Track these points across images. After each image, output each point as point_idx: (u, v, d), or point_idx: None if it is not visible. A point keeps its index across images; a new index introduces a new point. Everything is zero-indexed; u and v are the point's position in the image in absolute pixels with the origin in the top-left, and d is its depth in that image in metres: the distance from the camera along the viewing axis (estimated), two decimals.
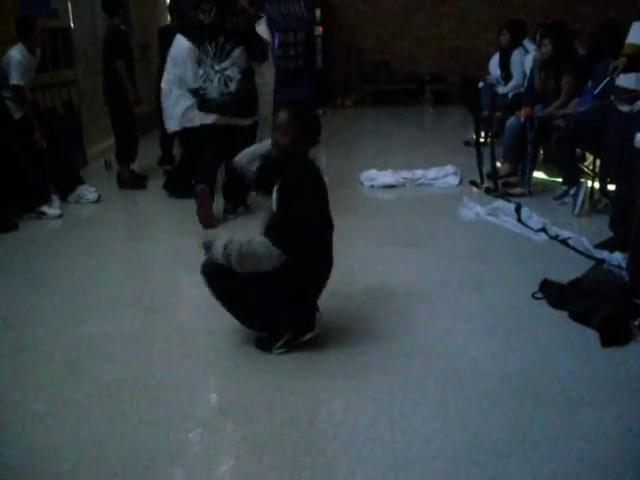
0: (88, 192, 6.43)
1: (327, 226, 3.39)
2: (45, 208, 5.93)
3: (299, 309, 3.36)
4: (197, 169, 5.75)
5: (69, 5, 7.77)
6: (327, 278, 3.43)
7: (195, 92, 5.73)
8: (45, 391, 3.13)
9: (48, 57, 7.13)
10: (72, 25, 7.84)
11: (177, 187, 6.42)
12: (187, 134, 6.10)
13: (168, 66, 6.02)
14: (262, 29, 5.84)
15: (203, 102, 5.55)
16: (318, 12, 12.08)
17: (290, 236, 3.14)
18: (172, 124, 6.11)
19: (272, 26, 8.90)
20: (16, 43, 5.99)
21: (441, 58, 12.86)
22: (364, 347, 3.42)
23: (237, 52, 5.44)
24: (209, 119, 5.55)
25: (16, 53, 5.95)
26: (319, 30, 12.14)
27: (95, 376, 3.26)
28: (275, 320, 3.35)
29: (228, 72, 5.44)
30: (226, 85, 5.44)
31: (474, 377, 3.10)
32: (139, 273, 4.70)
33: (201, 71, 5.55)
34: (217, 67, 5.44)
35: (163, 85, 6.07)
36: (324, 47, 12.27)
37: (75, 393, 3.10)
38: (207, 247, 3.30)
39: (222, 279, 3.29)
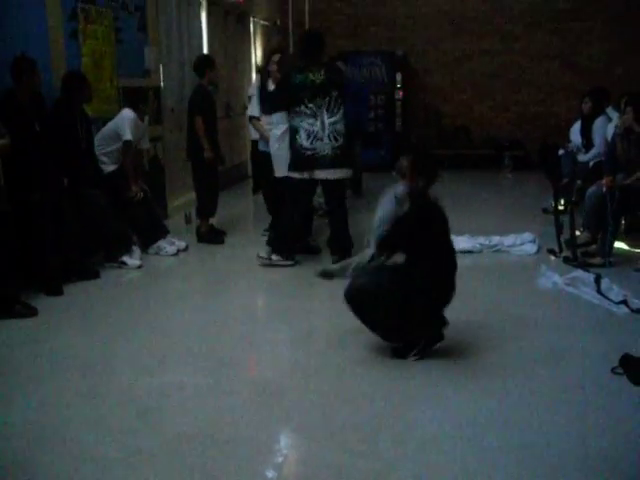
0: (168, 245, 6.61)
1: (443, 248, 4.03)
2: (126, 258, 6.13)
3: (430, 320, 3.94)
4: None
5: (160, 66, 8.13)
6: (450, 289, 3.96)
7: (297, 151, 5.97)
8: (117, 438, 3.19)
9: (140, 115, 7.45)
10: (162, 84, 8.18)
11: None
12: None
13: (280, 118, 6.28)
14: None
15: (314, 160, 5.86)
16: (399, 76, 12.26)
17: (385, 237, 3.92)
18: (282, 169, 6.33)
19: (365, 89, 9.26)
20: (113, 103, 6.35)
21: (521, 124, 12.82)
22: (436, 412, 3.37)
23: (344, 107, 5.92)
24: (322, 174, 5.93)
25: (128, 112, 6.41)
26: (399, 94, 12.30)
27: (167, 427, 3.30)
28: (411, 331, 3.94)
29: (338, 126, 5.83)
30: (336, 139, 5.83)
31: (548, 452, 3.00)
32: (215, 327, 4.76)
33: (306, 130, 5.84)
34: (328, 120, 5.82)
35: (277, 133, 6.32)
36: (404, 110, 12.41)
37: (147, 442, 3.15)
38: (326, 275, 4.43)
39: (364, 303, 3.88)
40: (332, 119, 5.82)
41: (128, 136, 6.29)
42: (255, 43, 11.94)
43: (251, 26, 11.70)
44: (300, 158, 5.89)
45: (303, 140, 5.83)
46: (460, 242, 6.56)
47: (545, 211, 8.11)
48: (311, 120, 5.82)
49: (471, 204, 9.28)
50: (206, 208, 7.15)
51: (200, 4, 9.45)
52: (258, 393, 3.67)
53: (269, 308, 5.24)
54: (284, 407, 3.49)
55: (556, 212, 6.69)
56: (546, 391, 3.61)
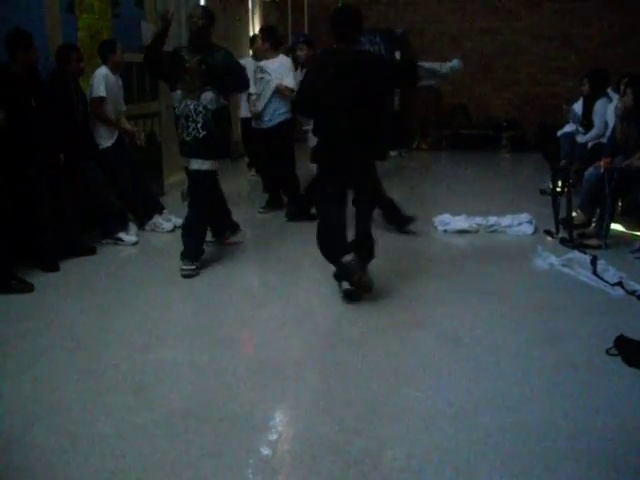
0: (164, 221, 6.60)
1: None
2: (122, 234, 6.12)
3: None
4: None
5: None
6: None
7: None
8: (113, 415, 3.19)
9: (136, 90, 7.40)
10: None
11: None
12: None
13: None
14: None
15: None
16: (398, 54, 12.17)
17: None
18: None
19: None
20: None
21: (519, 104, 12.77)
22: (431, 392, 3.38)
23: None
24: None
25: (101, 69, 6.24)
26: None
27: (162, 403, 3.30)
28: None
29: None
30: None
31: (544, 432, 3.01)
32: (210, 305, 4.76)
33: None
34: None
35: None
36: (402, 90, 12.33)
37: (142, 418, 3.15)
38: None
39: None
40: None
41: (99, 92, 6.16)
42: (253, 20, 11.84)
43: (249, 3, 11.60)
44: None
45: None
46: (457, 222, 6.59)
47: (543, 192, 8.10)
48: None
49: (468, 184, 9.28)
50: None
51: None
52: (254, 371, 3.67)
53: (267, 286, 5.23)
54: (280, 385, 3.50)
55: (554, 193, 6.69)
56: (540, 371, 3.63)
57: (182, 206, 7.46)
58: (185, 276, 5.19)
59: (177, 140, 5.37)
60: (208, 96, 5.11)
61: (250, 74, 7.07)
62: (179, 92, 5.20)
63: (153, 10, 7.97)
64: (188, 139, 5.19)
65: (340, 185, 4.65)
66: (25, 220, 5.16)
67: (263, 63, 7.00)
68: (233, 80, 5.34)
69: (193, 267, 5.25)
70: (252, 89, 6.97)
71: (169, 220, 6.65)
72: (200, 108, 5.11)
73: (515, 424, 3.09)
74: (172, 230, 6.54)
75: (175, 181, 8.45)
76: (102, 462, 2.80)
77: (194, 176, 5.32)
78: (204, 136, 5.14)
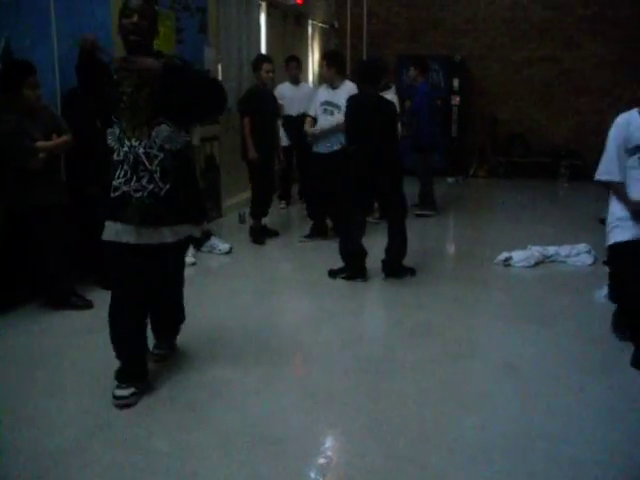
0: (220, 243, 6.69)
1: None
2: None
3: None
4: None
5: (219, 66, 8.22)
6: None
7: None
8: (167, 431, 3.24)
9: None
10: None
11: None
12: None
13: None
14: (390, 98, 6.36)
15: None
16: (456, 82, 12.16)
17: None
18: None
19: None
20: None
21: (580, 133, 12.58)
22: (486, 422, 3.33)
23: None
24: None
25: None
26: (457, 99, 12.20)
27: (216, 423, 3.34)
28: None
29: None
30: None
31: (600, 469, 2.94)
32: (265, 327, 4.78)
33: None
34: None
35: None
36: (460, 116, 12.30)
37: (196, 437, 3.19)
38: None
39: None
40: None
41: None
42: (313, 45, 11.99)
43: (309, 28, 11.76)
44: None
45: None
46: (517, 253, 6.47)
47: (602, 222, 7.92)
48: None
49: (526, 212, 9.16)
50: (259, 208, 7.19)
51: (259, 6, 9.53)
52: (307, 394, 3.68)
53: (322, 310, 5.23)
54: (332, 409, 3.49)
55: None
56: (597, 405, 3.55)
57: (240, 228, 7.61)
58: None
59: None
60: (163, 132, 3.47)
61: (308, 98, 7.17)
62: (116, 128, 3.50)
63: (216, 36, 8.14)
64: (138, 197, 3.44)
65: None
66: (86, 238, 5.28)
67: (331, 97, 6.98)
68: (208, 97, 3.56)
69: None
70: (311, 111, 7.06)
71: (224, 242, 6.73)
72: (154, 151, 3.46)
73: (570, 459, 3.02)
74: (229, 252, 6.62)
75: (233, 204, 8.56)
76: (155, 479, 2.83)
77: (159, 254, 3.63)
78: (167, 192, 3.48)
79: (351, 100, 6.02)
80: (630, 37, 11.78)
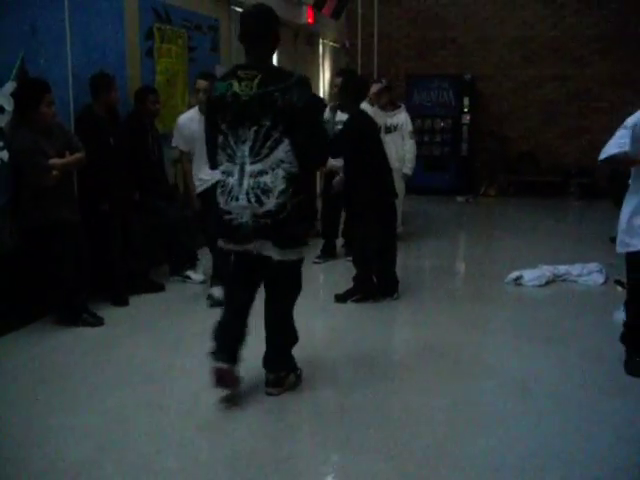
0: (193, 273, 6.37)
1: None
2: (191, 273, 6.23)
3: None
4: None
5: None
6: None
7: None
8: (177, 450, 3.24)
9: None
10: None
11: None
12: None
13: None
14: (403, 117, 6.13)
15: (231, 229, 3.64)
16: (466, 100, 12.20)
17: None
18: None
19: None
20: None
21: (590, 151, 12.55)
22: (498, 443, 3.31)
23: (287, 144, 3.52)
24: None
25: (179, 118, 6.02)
26: (467, 118, 12.23)
27: (226, 441, 3.33)
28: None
29: (265, 179, 3.51)
30: (259, 201, 3.50)
31: None
32: None
33: (221, 180, 3.68)
34: (249, 168, 3.52)
35: None
36: (470, 135, 12.33)
37: (205, 455, 3.19)
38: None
39: None
40: (255, 166, 3.52)
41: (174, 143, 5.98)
42: (324, 64, 12.06)
43: (320, 47, 11.83)
44: (221, 224, 3.69)
45: (219, 196, 3.66)
46: (528, 272, 6.45)
47: (613, 240, 7.90)
48: (228, 164, 3.62)
49: (537, 231, 9.14)
50: None
51: None
52: (317, 413, 3.67)
53: (332, 329, 5.22)
54: (343, 427, 3.48)
55: None
56: (611, 425, 3.51)
57: None
58: None
59: None
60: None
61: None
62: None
63: (228, 54, 8.21)
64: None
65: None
66: (98, 255, 5.31)
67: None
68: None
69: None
70: None
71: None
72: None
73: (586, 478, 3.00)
74: (203, 282, 6.20)
75: None
76: None
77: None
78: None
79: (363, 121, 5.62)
80: (638, 55, 11.78)
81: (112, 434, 3.37)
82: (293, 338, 3.98)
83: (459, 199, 11.71)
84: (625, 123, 4.31)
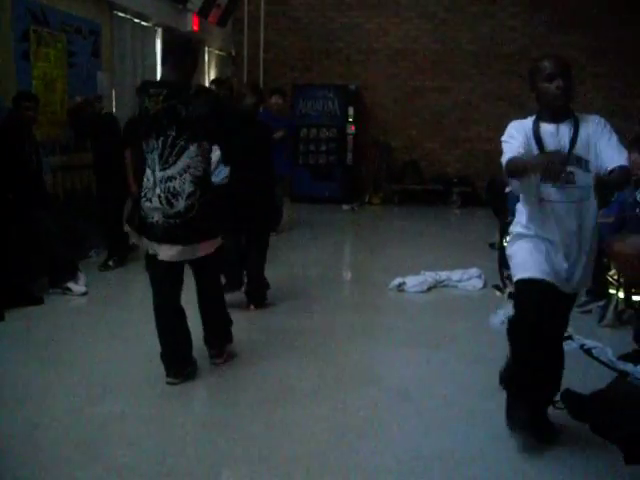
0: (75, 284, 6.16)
1: None
2: (71, 284, 6.01)
3: None
4: None
5: (113, 91, 8.08)
6: None
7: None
8: (56, 470, 3.11)
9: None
10: (114, 110, 8.10)
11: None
12: None
13: None
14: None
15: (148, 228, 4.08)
16: (351, 110, 12.39)
17: None
18: None
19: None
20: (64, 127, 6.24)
21: (470, 161, 13.04)
22: (379, 447, 3.37)
23: (192, 150, 3.95)
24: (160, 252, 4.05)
25: None
26: (351, 128, 12.43)
27: (107, 458, 3.23)
28: None
29: (174, 183, 3.92)
30: (169, 203, 3.92)
31: None
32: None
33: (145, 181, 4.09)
34: (159, 174, 3.95)
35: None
36: (355, 144, 12.52)
37: (85, 473, 3.08)
38: None
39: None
40: (165, 172, 3.92)
41: None
42: (209, 73, 11.96)
43: (206, 56, 11.73)
44: (141, 222, 4.18)
45: (142, 197, 4.12)
46: (411, 278, 6.61)
47: (492, 246, 8.24)
48: (147, 170, 4.06)
49: (419, 238, 9.39)
50: None
51: (155, 31, 9.45)
52: (202, 424, 3.62)
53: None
54: (229, 440, 3.44)
55: (500, 248, 6.79)
56: (490, 426, 3.64)
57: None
58: None
59: None
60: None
61: None
62: None
63: (110, 61, 8.01)
64: None
65: None
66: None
67: None
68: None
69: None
70: None
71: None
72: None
73: (466, 478, 3.09)
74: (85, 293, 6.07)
75: None
76: None
77: None
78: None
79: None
80: (512, 71, 12.33)
81: None
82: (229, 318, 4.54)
83: (345, 207, 11.87)
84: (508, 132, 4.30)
